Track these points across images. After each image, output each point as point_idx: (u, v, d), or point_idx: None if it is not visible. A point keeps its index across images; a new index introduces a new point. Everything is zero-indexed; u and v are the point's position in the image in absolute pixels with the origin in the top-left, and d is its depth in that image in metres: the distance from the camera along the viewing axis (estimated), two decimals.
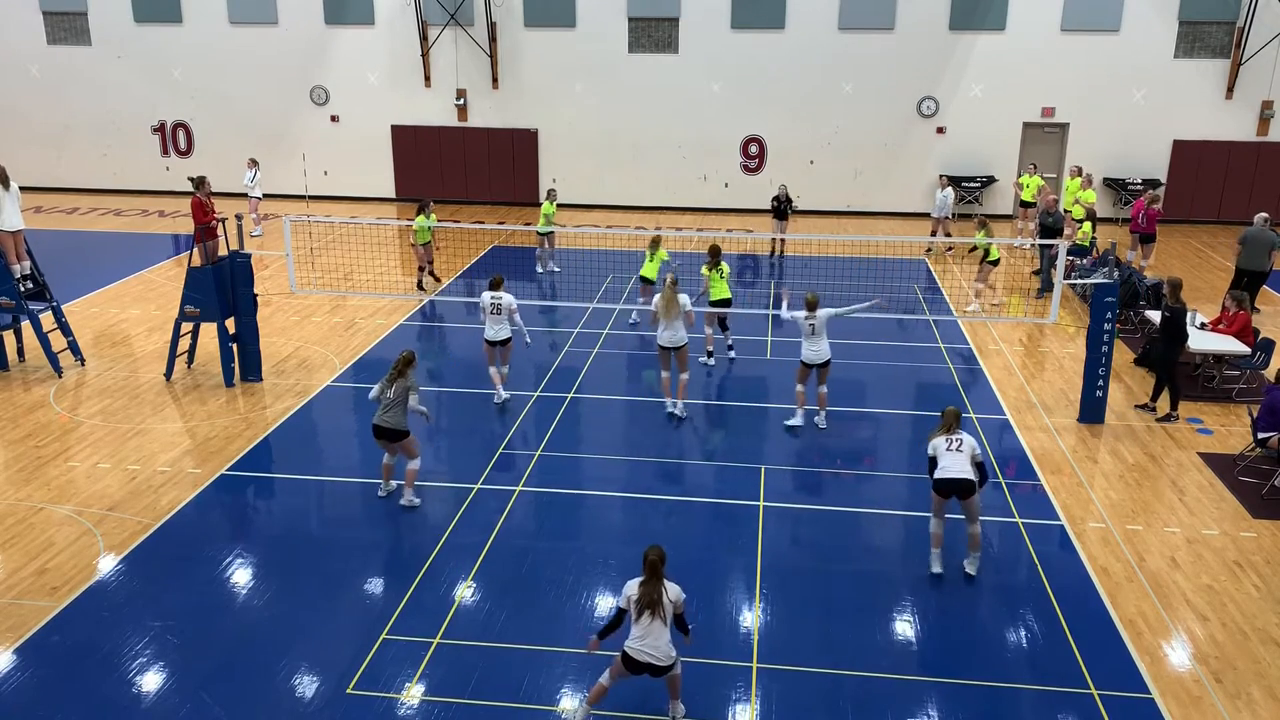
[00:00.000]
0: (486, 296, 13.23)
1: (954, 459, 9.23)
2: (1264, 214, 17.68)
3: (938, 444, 9.37)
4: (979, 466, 9.31)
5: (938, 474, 9.25)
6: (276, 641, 8.48)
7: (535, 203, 27.46)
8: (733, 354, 15.43)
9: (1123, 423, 13.20)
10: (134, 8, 27.13)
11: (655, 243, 16.11)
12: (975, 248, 18.21)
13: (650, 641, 7.07)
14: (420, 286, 19.16)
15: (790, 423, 12.87)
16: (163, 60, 27.49)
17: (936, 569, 9.50)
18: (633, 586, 7.20)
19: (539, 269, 20.60)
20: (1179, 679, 8.13)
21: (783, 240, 22.39)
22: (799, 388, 12.88)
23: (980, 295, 18.25)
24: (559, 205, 21.65)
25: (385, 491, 10.95)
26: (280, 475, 11.59)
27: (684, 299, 12.65)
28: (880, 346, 15.81)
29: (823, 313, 12.52)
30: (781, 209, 22.27)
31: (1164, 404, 13.36)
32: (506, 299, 13.11)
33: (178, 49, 27.33)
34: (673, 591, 7.20)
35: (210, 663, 8.18)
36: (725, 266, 14.76)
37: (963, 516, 9.49)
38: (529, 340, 13.48)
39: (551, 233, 20.23)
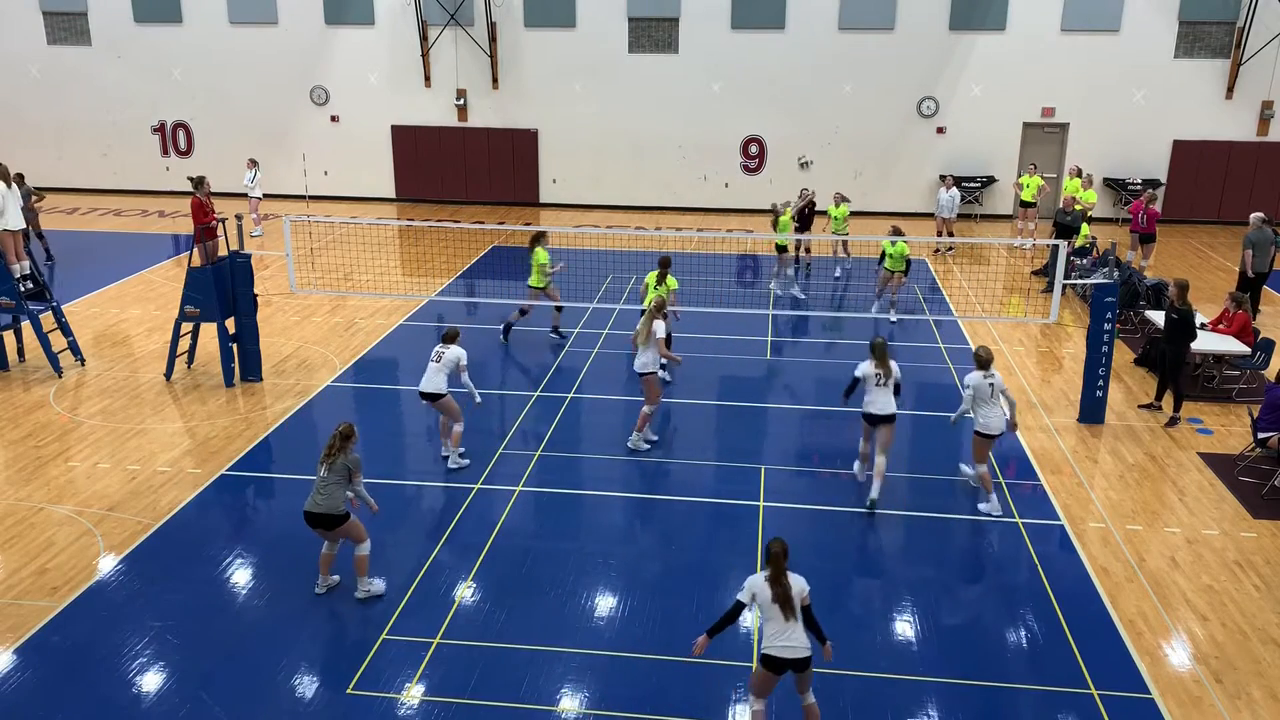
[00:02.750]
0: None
1: (882, 395, 10.54)
2: (1260, 214, 17.51)
3: (867, 373, 10.59)
4: (897, 388, 10.64)
5: (868, 409, 10.59)
6: (276, 641, 8.48)
7: (535, 203, 27.47)
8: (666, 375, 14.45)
9: (1123, 423, 13.19)
10: (134, 8, 27.13)
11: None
12: (885, 256, 16.93)
13: (792, 636, 6.88)
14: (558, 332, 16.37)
15: (986, 509, 10.71)
16: (163, 60, 27.48)
17: (861, 478, 11.14)
18: (758, 583, 6.97)
19: (778, 290, 18.84)
20: (1179, 679, 8.13)
21: (808, 246, 21.01)
22: (982, 469, 10.73)
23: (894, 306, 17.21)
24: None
25: (323, 587, 9.17)
26: (280, 475, 11.59)
27: (658, 326, 11.77)
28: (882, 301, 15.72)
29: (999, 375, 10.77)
30: (807, 216, 21.01)
31: (1167, 405, 13.34)
32: (450, 353, 11.36)
33: (178, 49, 27.32)
34: (798, 584, 6.99)
35: (210, 663, 8.18)
36: (673, 281, 14.07)
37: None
38: (478, 399, 11.62)
39: (786, 247, 18.54)
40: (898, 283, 16.92)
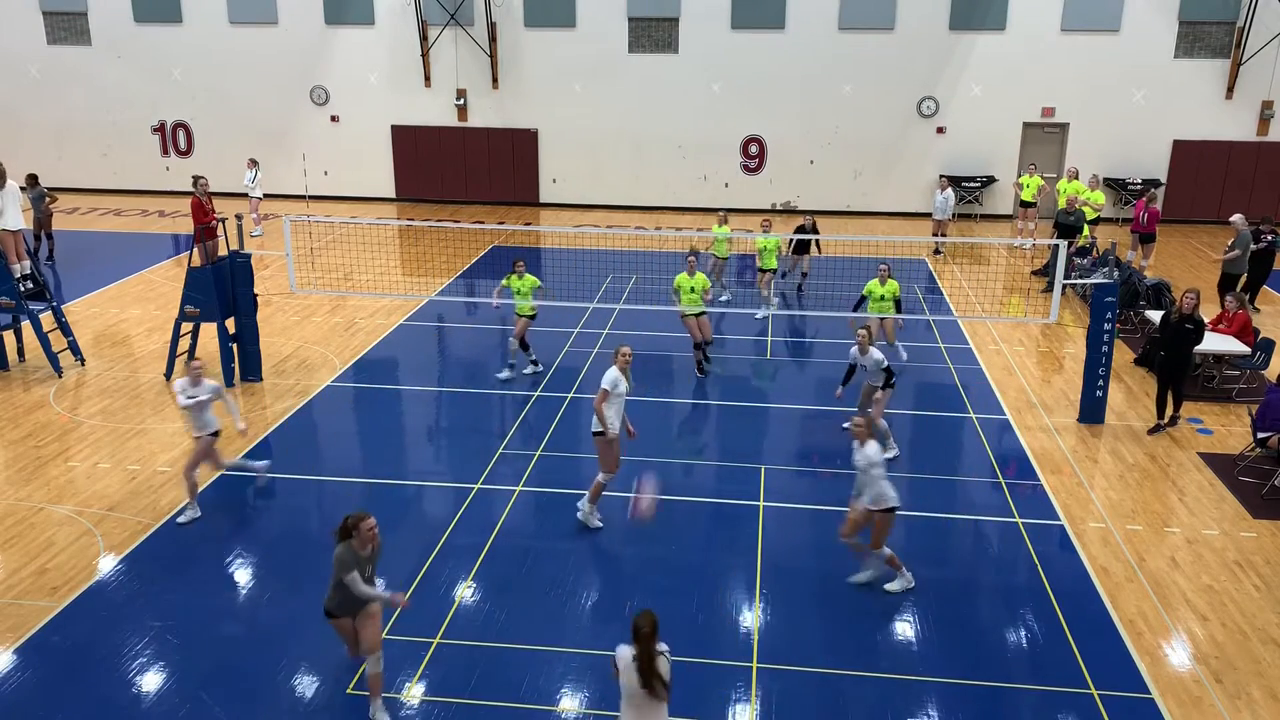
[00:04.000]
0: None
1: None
2: (1240, 214, 17.51)
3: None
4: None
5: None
6: (276, 641, 8.48)
7: (535, 203, 27.48)
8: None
9: (1123, 423, 13.19)
10: (134, 8, 27.12)
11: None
12: (864, 299, 14.51)
13: None
14: (701, 369, 14.71)
15: (900, 586, 9.26)
16: (163, 60, 27.48)
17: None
18: (626, 660, 6.20)
19: (762, 314, 17.14)
20: (1179, 679, 8.13)
21: (804, 273, 19.25)
22: (888, 551, 9.19)
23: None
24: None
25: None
26: (280, 475, 11.57)
27: (607, 376, 10.08)
28: (879, 346, 15.76)
29: None
30: (805, 243, 18.98)
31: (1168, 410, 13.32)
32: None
33: (178, 49, 27.32)
34: (665, 665, 6.27)
35: (210, 663, 8.18)
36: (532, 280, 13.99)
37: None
38: (241, 427, 10.91)
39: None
40: (892, 325, 14.71)
